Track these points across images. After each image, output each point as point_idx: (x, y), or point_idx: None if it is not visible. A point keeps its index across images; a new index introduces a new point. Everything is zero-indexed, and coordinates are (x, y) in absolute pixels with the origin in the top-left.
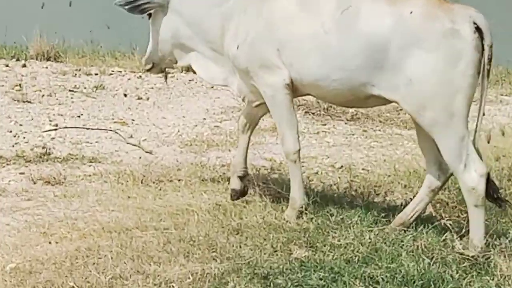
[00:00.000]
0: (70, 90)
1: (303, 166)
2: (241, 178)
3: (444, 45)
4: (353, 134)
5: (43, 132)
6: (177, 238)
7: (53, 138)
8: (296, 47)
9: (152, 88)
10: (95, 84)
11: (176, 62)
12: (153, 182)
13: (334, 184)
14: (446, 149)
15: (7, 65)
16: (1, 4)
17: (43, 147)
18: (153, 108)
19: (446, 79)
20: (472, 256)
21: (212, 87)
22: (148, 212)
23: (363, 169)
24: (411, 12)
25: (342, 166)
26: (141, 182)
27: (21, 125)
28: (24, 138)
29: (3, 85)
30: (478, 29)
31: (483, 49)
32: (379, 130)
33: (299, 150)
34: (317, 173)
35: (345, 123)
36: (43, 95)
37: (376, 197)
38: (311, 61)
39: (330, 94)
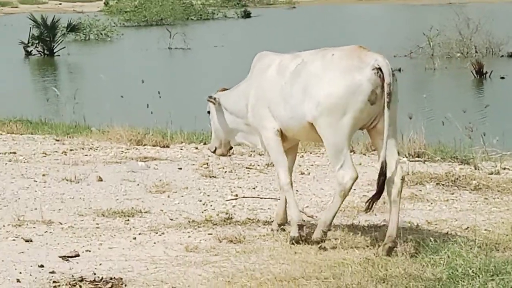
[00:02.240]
0: (247, 168)
1: (436, 228)
2: (300, 226)
3: (347, 77)
4: (476, 201)
5: (226, 201)
6: (335, 286)
7: (234, 206)
8: (275, 101)
9: (312, 165)
10: (267, 162)
11: (229, 143)
12: (316, 241)
13: (462, 243)
14: (330, 155)
15: (196, 148)
16: (191, 96)
17: (226, 213)
18: (313, 181)
19: (342, 104)
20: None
21: (360, 164)
22: (311, 264)
23: (485, 229)
24: (332, 55)
25: (468, 227)
26: (305, 241)
27: (208, 195)
28: (211, 206)
29: (193, 164)
30: (380, 70)
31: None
32: (498, 198)
33: (290, 181)
34: (447, 233)
35: (469, 192)
36: (225, 172)
37: (496, 252)
38: (281, 108)
39: (295, 131)
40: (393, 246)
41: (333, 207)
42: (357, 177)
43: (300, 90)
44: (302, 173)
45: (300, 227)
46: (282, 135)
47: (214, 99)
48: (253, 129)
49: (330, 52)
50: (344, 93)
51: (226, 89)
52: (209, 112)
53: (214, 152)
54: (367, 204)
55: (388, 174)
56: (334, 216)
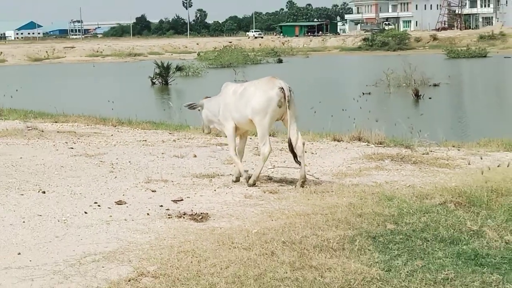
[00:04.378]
0: (280, 150)
1: (390, 186)
2: (237, 178)
3: (266, 93)
4: (414, 170)
5: (268, 169)
6: (331, 219)
7: (272, 172)
8: (232, 109)
9: (318, 148)
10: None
11: (210, 128)
12: (320, 193)
13: (406, 194)
14: (259, 137)
15: (250, 138)
16: None
17: (268, 176)
18: (318, 158)
19: (263, 109)
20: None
21: (346, 148)
22: (317, 206)
23: (420, 186)
24: (258, 82)
25: (409, 185)
26: (314, 193)
27: (257, 165)
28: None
29: (249, 147)
30: (282, 89)
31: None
32: (427, 168)
33: (235, 153)
34: (397, 188)
35: (410, 165)
36: None
37: (426, 200)
38: (234, 113)
39: (242, 124)
40: (304, 181)
41: (259, 167)
42: (271, 150)
43: (243, 103)
44: (312, 153)
45: (237, 179)
46: (236, 129)
47: (201, 105)
48: (221, 123)
49: (258, 81)
50: (264, 102)
51: (208, 97)
52: (199, 110)
53: (207, 133)
54: (296, 162)
55: (295, 143)
56: (260, 172)
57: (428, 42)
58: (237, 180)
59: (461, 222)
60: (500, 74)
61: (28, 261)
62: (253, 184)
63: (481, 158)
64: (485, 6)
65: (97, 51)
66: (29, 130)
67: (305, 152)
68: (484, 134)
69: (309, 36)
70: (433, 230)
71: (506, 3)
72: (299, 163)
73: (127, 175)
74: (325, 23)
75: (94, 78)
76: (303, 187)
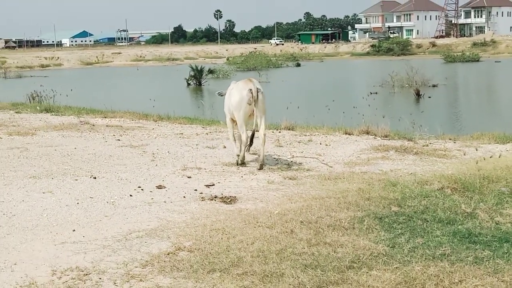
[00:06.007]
0: (297, 142)
1: (395, 173)
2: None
3: (240, 93)
4: (416, 160)
5: (288, 158)
6: (343, 202)
7: (291, 161)
8: (229, 105)
9: (331, 141)
10: (309, 139)
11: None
12: (333, 179)
13: (408, 180)
14: (238, 127)
15: (273, 132)
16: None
17: (288, 164)
18: (331, 148)
19: (238, 105)
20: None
21: (356, 141)
22: (331, 191)
23: (420, 174)
24: (237, 83)
25: (411, 173)
26: (328, 179)
27: (278, 155)
28: (280, 161)
29: (271, 140)
30: (251, 90)
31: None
32: (427, 158)
33: (234, 139)
34: (400, 176)
35: (412, 155)
36: (287, 144)
37: (426, 186)
38: (227, 108)
39: (232, 117)
40: (262, 164)
41: (242, 150)
42: (247, 137)
43: (228, 99)
44: (326, 145)
45: (261, 166)
46: (232, 120)
47: (223, 93)
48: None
49: (238, 82)
50: (238, 100)
51: None
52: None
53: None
54: (248, 147)
55: (261, 134)
56: (243, 153)
57: (428, 48)
58: (261, 168)
59: (456, 205)
60: (491, 77)
61: (81, 236)
62: (261, 167)
63: (476, 150)
64: (478, 16)
65: (140, 56)
66: (82, 124)
67: (310, 141)
68: (477, 129)
69: (324, 43)
70: (432, 212)
71: (497, 14)
72: (248, 150)
73: (166, 163)
74: (338, 31)
75: (137, 79)
76: (261, 169)
